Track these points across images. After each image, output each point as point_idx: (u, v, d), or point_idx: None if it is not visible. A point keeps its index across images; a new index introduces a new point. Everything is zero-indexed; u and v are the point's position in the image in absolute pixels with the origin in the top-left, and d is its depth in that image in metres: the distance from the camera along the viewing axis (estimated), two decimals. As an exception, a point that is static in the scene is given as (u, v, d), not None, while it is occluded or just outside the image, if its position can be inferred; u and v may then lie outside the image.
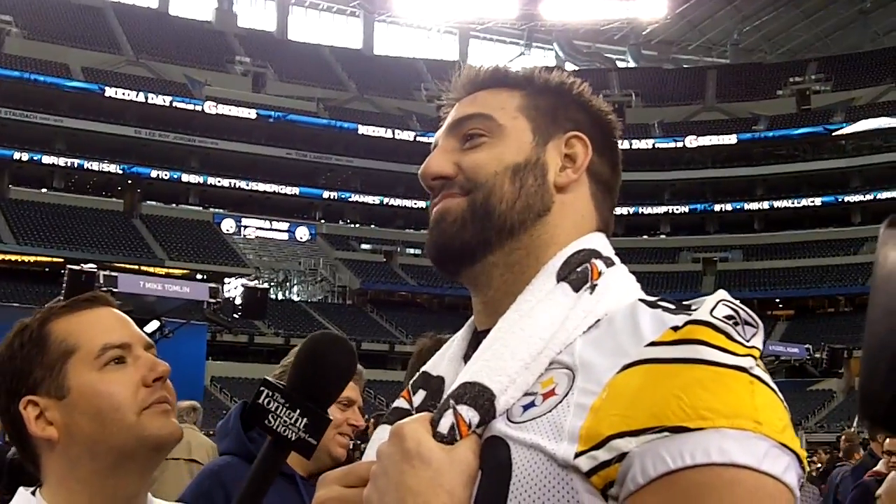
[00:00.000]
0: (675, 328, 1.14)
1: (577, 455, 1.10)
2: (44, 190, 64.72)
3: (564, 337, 1.23)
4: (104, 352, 1.70)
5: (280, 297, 66.58)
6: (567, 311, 1.25)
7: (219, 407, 40.87)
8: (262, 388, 1.41)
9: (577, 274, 1.30)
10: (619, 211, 2.00)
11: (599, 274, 1.30)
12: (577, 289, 1.28)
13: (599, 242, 1.37)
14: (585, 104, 1.45)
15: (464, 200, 1.35)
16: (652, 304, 1.22)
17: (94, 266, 23.22)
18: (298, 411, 1.41)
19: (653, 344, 1.14)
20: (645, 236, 71.99)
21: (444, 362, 1.40)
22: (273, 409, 1.41)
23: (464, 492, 1.16)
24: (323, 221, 73.51)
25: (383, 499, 1.18)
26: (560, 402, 1.17)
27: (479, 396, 1.21)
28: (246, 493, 1.44)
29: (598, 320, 1.24)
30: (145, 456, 1.71)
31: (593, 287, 1.28)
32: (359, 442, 8.58)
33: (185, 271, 56.40)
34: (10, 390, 1.71)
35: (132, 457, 1.69)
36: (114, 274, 23.08)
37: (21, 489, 1.75)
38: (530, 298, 1.29)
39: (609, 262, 1.34)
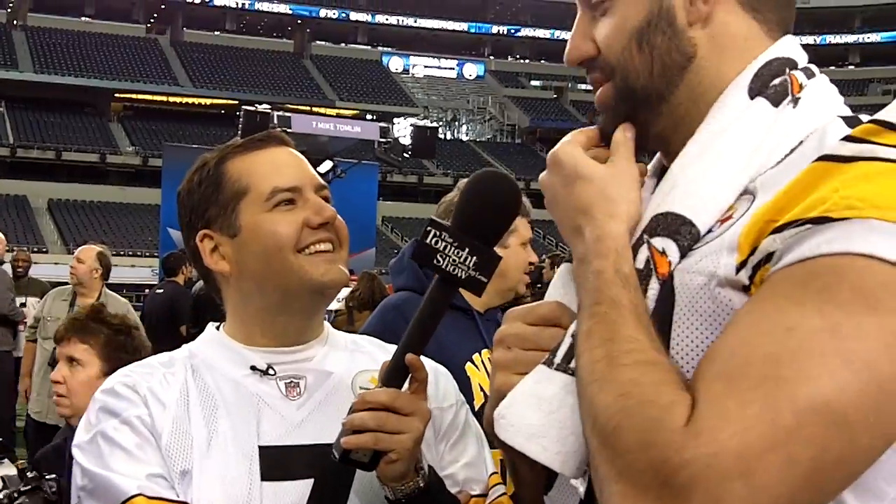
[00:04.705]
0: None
1: (739, 268, 1.05)
2: (216, 32, 65.59)
3: (763, 160, 1.15)
4: (274, 195, 1.75)
5: (449, 136, 66.54)
6: (765, 129, 1.16)
7: (390, 246, 41.37)
8: (428, 228, 1.43)
9: (775, 87, 1.19)
10: (804, 40, 1.34)
11: (801, 87, 1.19)
12: (776, 103, 1.17)
13: (792, 49, 1.24)
14: None
15: (610, 87, 1.28)
16: (852, 121, 1.13)
17: (269, 107, 23.37)
18: (467, 250, 1.43)
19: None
20: (832, 67, 67.94)
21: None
22: (441, 248, 1.43)
23: (635, 194, 1.19)
24: (492, 58, 72.68)
25: (562, 226, 1.22)
26: (734, 224, 1.11)
27: (671, 225, 1.16)
28: (415, 330, 1.51)
29: (801, 142, 1.14)
30: (309, 298, 1.78)
31: (796, 101, 1.17)
32: (531, 281, 8.18)
33: (355, 111, 56.71)
34: (188, 223, 1.83)
35: (297, 297, 1.76)
36: (287, 114, 23.20)
37: (210, 324, 1.88)
38: (720, 117, 1.19)
39: (809, 73, 1.22)
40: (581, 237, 1.18)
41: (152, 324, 9.89)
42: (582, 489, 1.22)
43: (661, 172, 1.30)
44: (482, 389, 2.89)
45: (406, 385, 1.57)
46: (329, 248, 1.76)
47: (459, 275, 1.43)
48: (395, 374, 1.55)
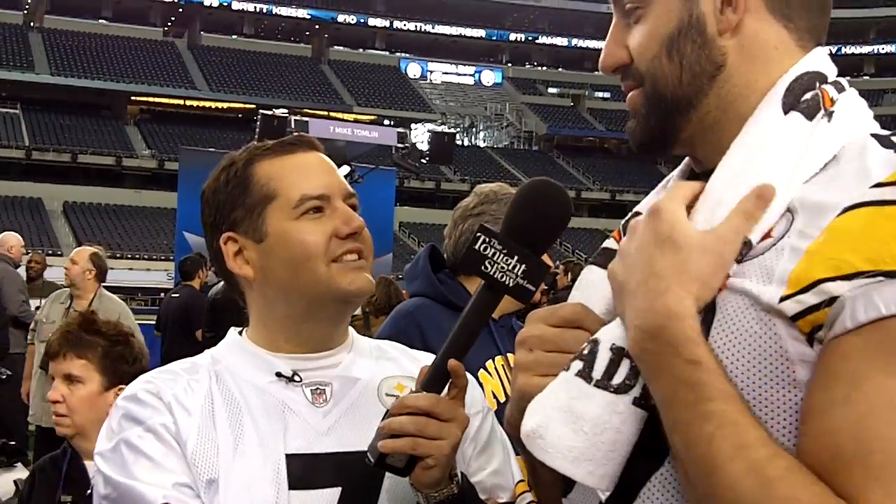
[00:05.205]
0: None
1: (783, 299, 1.05)
2: (234, 36, 65.78)
3: (801, 176, 1.14)
4: (302, 202, 1.72)
5: (466, 142, 66.51)
6: (803, 144, 1.16)
7: (407, 252, 41.31)
8: (478, 234, 1.42)
9: (807, 102, 1.19)
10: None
11: (832, 101, 1.20)
12: (810, 117, 1.18)
13: (822, 63, 1.25)
14: None
15: (640, 94, 1.29)
16: (885, 141, 1.13)
17: (286, 111, 23.34)
18: (516, 258, 1.42)
19: (879, 185, 1.06)
20: (848, 78, 66.23)
21: None
22: (490, 255, 1.42)
23: (715, 280, 1.11)
24: (509, 65, 72.66)
25: (628, 277, 1.17)
26: (774, 244, 1.11)
27: None
28: (459, 335, 1.49)
29: (835, 156, 1.14)
30: (334, 306, 1.75)
31: (830, 115, 1.18)
32: (546, 287, 8.17)
33: (372, 117, 56.80)
34: (212, 223, 1.79)
35: (323, 306, 1.73)
36: (305, 119, 23.14)
37: (231, 329, 1.84)
38: (755, 131, 1.19)
39: (840, 87, 1.22)
40: (648, 302, 1.12)
41: (168, 328, 9.91)
42: (604, 497, 1.21)
43: (688, 177, 1.31)
44: (495, 396, 2.86)
45: (445, 391, 1.54)
46: (356, 258, 1.73)
47: (507, 282, 1.42)
48: (435, 379, 1.52)
